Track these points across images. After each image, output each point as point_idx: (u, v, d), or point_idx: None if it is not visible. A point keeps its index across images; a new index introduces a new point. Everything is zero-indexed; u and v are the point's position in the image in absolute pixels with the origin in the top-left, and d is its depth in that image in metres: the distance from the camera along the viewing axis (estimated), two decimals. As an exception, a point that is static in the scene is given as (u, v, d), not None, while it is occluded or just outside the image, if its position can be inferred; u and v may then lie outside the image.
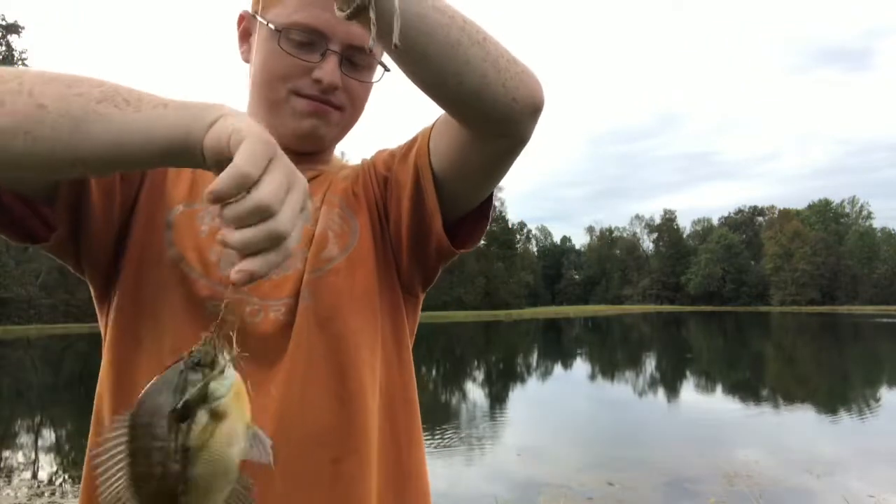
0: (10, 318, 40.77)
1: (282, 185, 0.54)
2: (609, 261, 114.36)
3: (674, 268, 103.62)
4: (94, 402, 0.84)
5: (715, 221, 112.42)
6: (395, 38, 0.65)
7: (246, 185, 0.53)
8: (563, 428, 8.95)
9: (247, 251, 0.54)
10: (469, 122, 0.79)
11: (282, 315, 0.84)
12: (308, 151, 0.94)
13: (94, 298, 0.90)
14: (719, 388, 13.09)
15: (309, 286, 0.85)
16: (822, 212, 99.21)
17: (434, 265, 0.95)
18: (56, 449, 7.80)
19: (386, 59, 0.89)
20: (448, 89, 0.73)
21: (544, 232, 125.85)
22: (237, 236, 0.53)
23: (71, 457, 7.15)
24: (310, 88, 0.87)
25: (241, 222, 0.53)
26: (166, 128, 0.59)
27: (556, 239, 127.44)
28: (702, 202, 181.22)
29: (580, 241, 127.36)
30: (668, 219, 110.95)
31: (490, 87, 0.73)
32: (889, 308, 73.48)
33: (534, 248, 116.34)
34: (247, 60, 0.94)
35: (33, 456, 7.26)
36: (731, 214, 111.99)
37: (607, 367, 18.02)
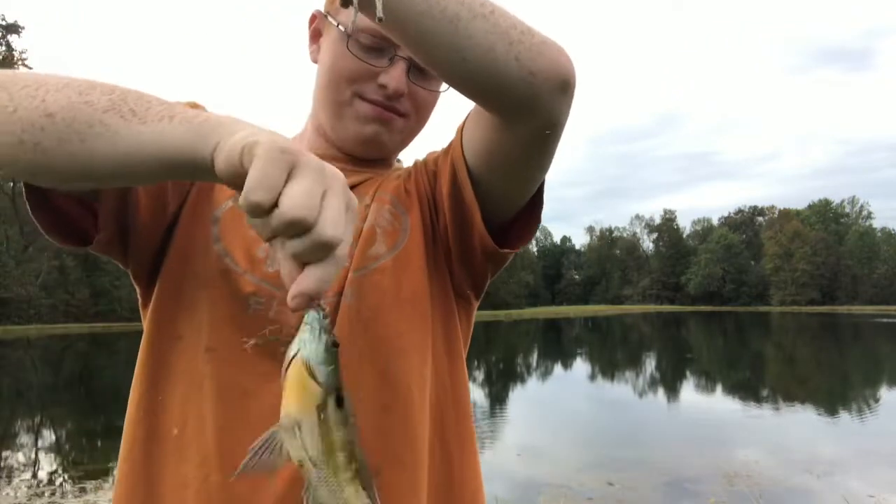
0: (10, 318, 40.75)
1: (310, 191, 0.50)
2: (609, 261, 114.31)
3: (674, 268, 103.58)
4: (129, 397, 0.82)
5: (715, 221, 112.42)
6: (379, 10, 0.63)
7: (262, 210, 0.49)
8: (563, 428, 8.94)
9: (297, 271, 0.51)
10: (487, 103, 0.74)
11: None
12: (370, 158, 0.93)
13: (138, 293, 0.88)
14: (719, 388, 13.09)
15: (352, 284, 0.82)
16: (822, 212, 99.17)
17: (481, 268, 0.90)
18: (56, 449, 7.79)
19: None
20: (452, 67, 0.69)
21: (544, 232, 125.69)
22: (281, 254, 0.51)
23: (71, 457, 7.15)
24: (374, 93, 0.86)
25: (275, 238, 0.51)
26: (171, 145, 0.57)
27: (557, 239, 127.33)
28: (702, 202, 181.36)
29: (580, 241, 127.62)
30: (668, 219, 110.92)
31: (500, 62, 0.67)
32: (889, 308, 73.46)
33: (534, 247, 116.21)
34: (315, 61, 0.93)
35: (33, 456, 7.26)
36: (731, 214, 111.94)
37: (607, 367, 18.01)
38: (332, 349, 0.52)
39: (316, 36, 0.93)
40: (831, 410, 10.01)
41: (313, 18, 0.93)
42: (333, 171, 0.53)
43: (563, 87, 0.70)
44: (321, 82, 0.89)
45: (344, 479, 0.53)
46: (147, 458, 0.78)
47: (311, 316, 0.52)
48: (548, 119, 0.73)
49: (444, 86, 0.90)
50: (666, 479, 5.95)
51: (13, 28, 42.31)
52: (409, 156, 1.02)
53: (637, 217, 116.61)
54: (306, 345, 0.52)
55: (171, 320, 0.81)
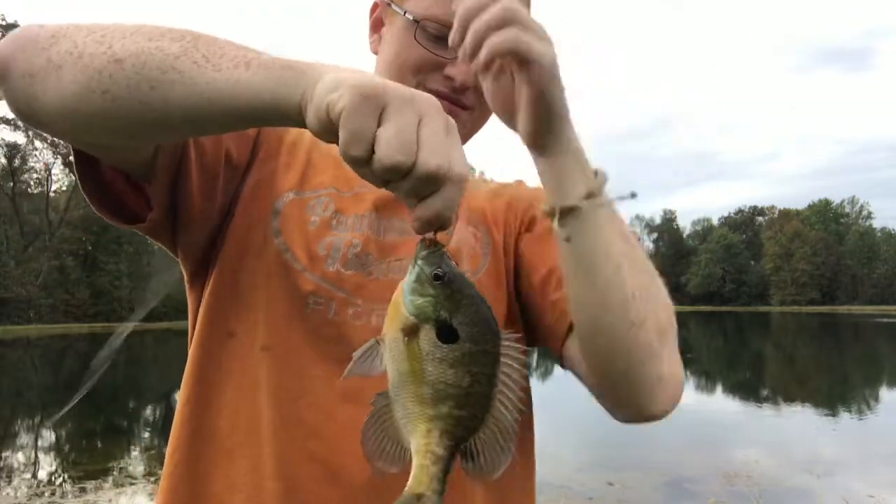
0: (10, 318, 40.75)
1: (402, 129, 0.48)
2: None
3: (674, 268, 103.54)
4: (179, 393, 0.80)
5: (715, 221, 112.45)
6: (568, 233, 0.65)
7: (363, 161, 0.49)
8: (563, 428, 8.94)
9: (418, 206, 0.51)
10: (610, 392, 0.76)
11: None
12: None
13: (186, 283, 0.86)
14: (719, 388, 13.08)
15: None
16: (822, 212, 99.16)
17: (536, 343, 0.92)
18: (56, 449, 7.79)
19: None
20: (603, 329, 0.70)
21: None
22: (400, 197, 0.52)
23: (71, 457, 7.14)
24: (439, 84, 0.83)
25: (388, 183, 0.51)
26: (249, 93, 0.54)
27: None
28: (702, 202, 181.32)
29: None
30: (668, 219, 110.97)
31: (644, 375, 0.71)
32: (889, 308, 73.44)
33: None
34: (375, 52, 0.90)
35: (33, 456, 7.26)
36: (731, 214, 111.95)
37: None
38: (430, 281, 0.53)
39: (377, 26, 0.91)
40: (831, 410, 10.01)
41: (375, 7, 0.90)
42: (423, 96, 0.52)
43: (670, 410, 0.74)
44: (384, 72, 0.86)
45: (422, 414, 0.53)
46: (194, 457, 0.76)
47: (418, 247, 0.55)
48: (639, 415, 0.75)
49: None
50: (666, 479, 5.94)
51: (13, 28, 42.31)
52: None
53: (637, 217, 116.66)
54: (407, 273, 0.55)
55: (223, 316, 0.79)
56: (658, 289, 0.75)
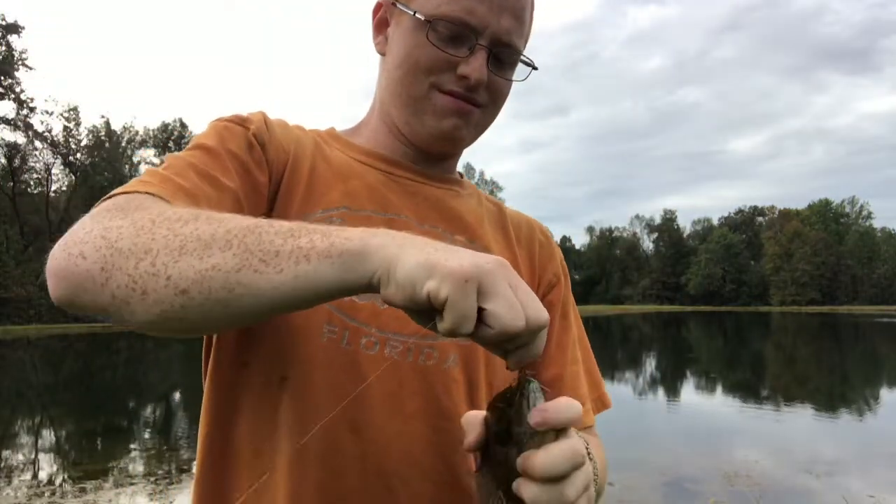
0: (10, 318, 40.74)
1: (510, 302, 0.53)
2: (609, 261, 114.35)
3: (674, 268, 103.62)
4: (199, 430, 0.80)
5: (715, 221, 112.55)
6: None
7: (470, 333, 0.53)
8: (563, 428, 8.93)
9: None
10: None
11: (397, 354, 0.78)
12: (442, 154, 0.90)
13: None
14: (719, 388, 13.08)
15: (459, 350, 0.81)
16: (822, 212, 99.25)
17: None
18: (56, 449, 7.79)
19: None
20: None
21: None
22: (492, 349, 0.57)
23: (71, 457, 7.15)
24: (453, 84, 0.81)
25: (497, 345, 0.56)
26: (317, 286, 0.55)
27: (556, 239, 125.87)
28: (702, 202, 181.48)
29: (580, 241, 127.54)
30: (668, 219, 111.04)
31: None
32: (889, 308, 73.46)
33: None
34: (382, 52, 0.88)
35: (33, 456, 7.26)
36: (731, 214, 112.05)
37: (607, 367, 18.00)
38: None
39: (381, 26, 0.88)
40: (831, 410, 10.01)
41: (378, 7, 0.89)
42: (498, 261, 0.55)
43: None
44: (394, 75, 0.84)
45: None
46: (217, 485, 0.77)
47: (523, 384, 0.58)
48: None
49: (521, 75, 0.88)
50: (666, 479, 5.95)
51: (13, 28, 42.30)
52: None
53: (637, 217, 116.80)
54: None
55: (235, 345, 0.78)
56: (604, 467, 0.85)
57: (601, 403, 0.97)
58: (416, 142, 0.88)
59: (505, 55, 0.83)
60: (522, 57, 0.86)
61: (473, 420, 0.60)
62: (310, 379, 0.75)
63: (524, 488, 0.55)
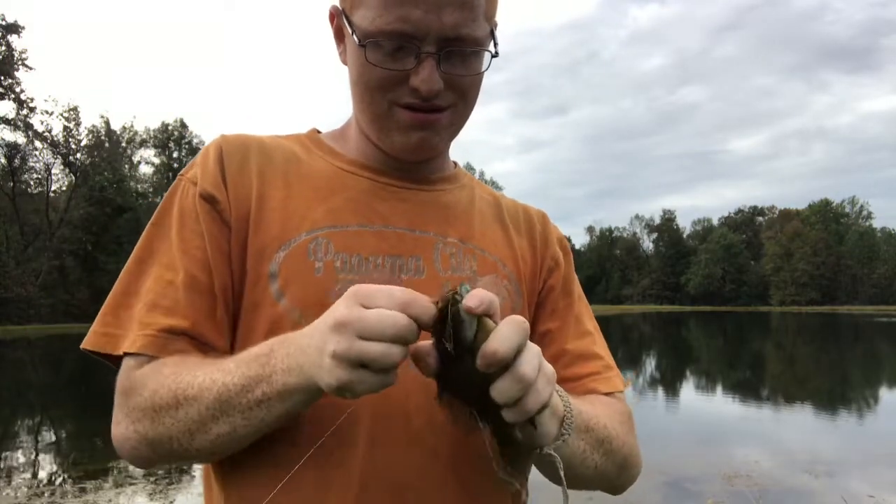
0: (10, 318, 40.71)
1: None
2: (609, 261, 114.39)
3: (674, 268, 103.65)
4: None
5: (715, 221, 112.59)
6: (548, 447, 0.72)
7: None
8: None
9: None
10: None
11: (399, 368, 0.80)
12: (423, 160, 0.88)
13: None
14: (719, 388, 13.09)
15: None
16: (822, 212, 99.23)
17: None
18: (56, 449, 7.79)
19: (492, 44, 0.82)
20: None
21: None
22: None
23: (71, 457, 7.14)
24: (410, 97, 0.77)
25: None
26: (295, 407, 0.68)
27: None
28: (702, 202, 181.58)
29: (580, 240, 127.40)
30: (668, 219, 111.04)
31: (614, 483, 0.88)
32: (889, 308, 73.48)
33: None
34: (345, 62, 0.84)
35: (33, 456, 7.26)
36: (731, 214, 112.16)
37: (607, 367, 17.98)
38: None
39: (339, 35, 0.84)
40: (831, 410, 10.01)
41: (332, 16, 0.84)
42: (348, 295, 0.62)
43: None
44: (355, 93, 0.82)
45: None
46: None
47: (457, 296, 0.61)
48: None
49: (484, 65, 0.81)
50: (666, 479, 5.94)
51: (13, 28, 42.30)
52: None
53: (637, 217, 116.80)
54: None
55: None
56: (627, 438, 0.86)
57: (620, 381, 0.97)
58: (392, 155, 0.85)
59: (460, 48, 0.76)
60: (483, 45, 0.79)
61: (423, 350, 0.62)
62: (319, 402, 0.73)
63: (495, 390, 0.60)
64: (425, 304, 0.60)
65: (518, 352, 0.59)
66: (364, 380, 0.60)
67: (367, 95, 0.79)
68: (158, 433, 0.72)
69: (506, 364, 0.59)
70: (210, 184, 0.80)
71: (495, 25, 0.81)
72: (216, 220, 0.79)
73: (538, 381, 0.61)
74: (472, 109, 0.85)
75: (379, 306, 0.59)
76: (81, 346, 0.79)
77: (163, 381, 0.72)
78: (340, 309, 0.61)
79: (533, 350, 0.62)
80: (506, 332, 0.59)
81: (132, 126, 62.99)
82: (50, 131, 47.88)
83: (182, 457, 0.73)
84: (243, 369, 0.68)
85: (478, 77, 0.81)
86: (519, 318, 0.61)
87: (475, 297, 0.59)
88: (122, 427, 0.75)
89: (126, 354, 0.76)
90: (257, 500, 0.73)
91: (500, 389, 0.59)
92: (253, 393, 0.67)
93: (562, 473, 0.70)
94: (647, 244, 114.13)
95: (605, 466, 0.81)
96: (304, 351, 0.64)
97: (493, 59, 0.81)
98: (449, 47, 0.75)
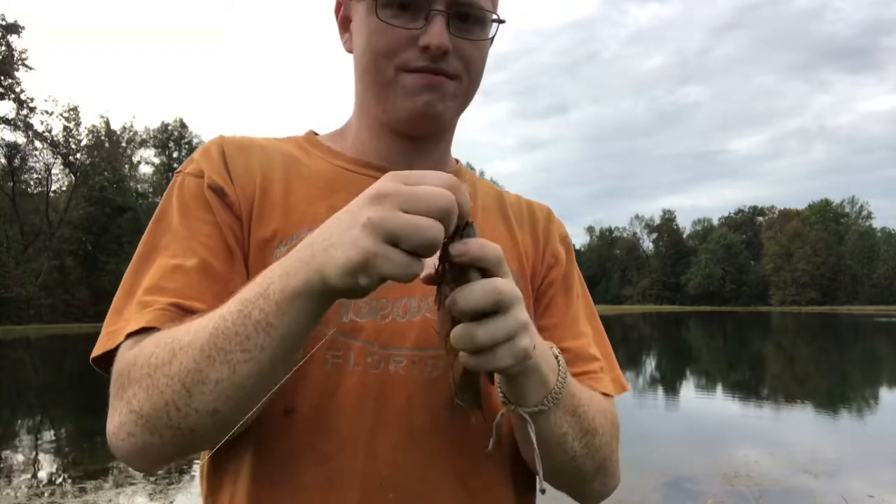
0: (10, 318, 40.70)
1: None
2: (609, 261, 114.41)
3: (674, 268, 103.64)
4: (199, 466, 0.82)
5: (715, 221, 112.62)
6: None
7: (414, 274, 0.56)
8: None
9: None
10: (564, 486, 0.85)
11: (402, 369, 0.76)
12: (427, 134, 0.87)
13: None
14: (719, 388, 13.09)
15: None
16: (822, 212, 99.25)
17: None
18: (56, 449, 7.79)
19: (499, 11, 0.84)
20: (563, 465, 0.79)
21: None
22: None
23: (71, 457, 7.14)
24: (419, 59, 0.78)
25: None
26: (301, 327, 0.61)
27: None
28: (702, 202, 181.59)
29: (580, 240, 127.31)
30: (668, 219, 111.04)
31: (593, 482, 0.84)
32: (889, 308, 73.50)
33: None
34: (349, 50, 0.87)
35: (33, 456, 7.26)
36: (731, 214, 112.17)
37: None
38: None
39: (345, 24, 0.88)
40: (831, 410, 10.01)
41: (338, 6, 0.88)
42: (384, 180, 0.58)
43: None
44: (360, 66, 0.84)
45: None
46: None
47: (469, 230, 0.61)
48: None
49: (491, 32, 0.83)
50: (666, 479, 5.94)
51: (13, 28, 42.30)
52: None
53: (637, 217, 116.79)
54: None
55: None
56: (611, 441, 0.85)
57: (618, 385, 0.95)
58: (398, 128, 0.85)
59: (468, 12, 0.78)
60: (489, 13, 0.81)
61: (432, 260, 0.62)
62: (317, 410, 0.74)
63: (452, 334, 0.61)
64: (467, 196, 0.59)
65: (487, 312, 0.60)
66: (391, 257, 0.54)
67: (374, 63, 0.80)
68: (153, 403, 0.64)
69: (474, 316, 0.60)
70: (218, 175, 0.80)
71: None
72: (228, 211, 0.79)
73: (499, 349, 0.61)
74: (476, 87, 0.86)
75: (427, 184, 0.57)
76: (91, 359, 0.77)
77: (161, 340, 0.66)
78: (380, 183, 0.57)
79: (507, 322, 0.61)
80: (476, 292, 0.59)
81: (132, 126, 63.08)
82: (50, 131, 47.91)
83: (183, 433, 0.64)
84: (240, 294, 0.63)
85: (483, 48, 0.83)
86: (501, 284, 0.60)
87: (463, 246, 0.59)
88: (115, 415, 0.70)
89: (126, 338, 0.71)
90: (257, 500, 0.73)
91: (454, 335, 0.61)
92: (251, 317, 0.60)
93: (533, 438, 0.70)
94: (647, 244, 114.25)
95: (583, 460, 0.78)
96: (312, 242, 0.60)
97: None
98: (458, 9, 0.77)
